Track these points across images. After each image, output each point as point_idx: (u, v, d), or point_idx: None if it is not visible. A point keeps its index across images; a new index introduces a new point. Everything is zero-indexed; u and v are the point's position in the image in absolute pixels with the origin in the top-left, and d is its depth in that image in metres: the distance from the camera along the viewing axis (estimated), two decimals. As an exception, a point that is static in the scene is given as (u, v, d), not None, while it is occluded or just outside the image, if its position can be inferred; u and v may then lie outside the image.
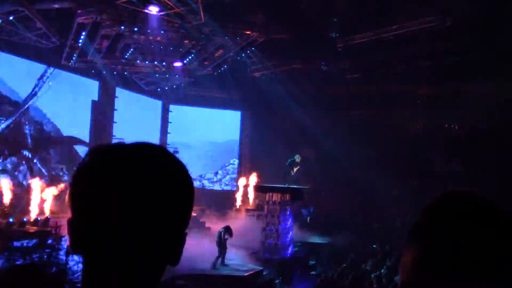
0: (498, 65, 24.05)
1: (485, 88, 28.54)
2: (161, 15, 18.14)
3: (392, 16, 23.70)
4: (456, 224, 0.86)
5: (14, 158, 20.67)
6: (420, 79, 27.49)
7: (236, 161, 32.11)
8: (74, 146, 24.21)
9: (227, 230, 15.44)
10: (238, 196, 26.32)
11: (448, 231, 0.85)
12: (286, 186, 19.16)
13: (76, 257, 12.75)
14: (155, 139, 28.60)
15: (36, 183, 17.33)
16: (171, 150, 1.09)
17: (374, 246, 18.88)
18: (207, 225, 20.56)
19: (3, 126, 20.08)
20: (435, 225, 0.88)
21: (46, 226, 14.99)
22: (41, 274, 2.46)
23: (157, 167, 0.98)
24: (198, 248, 14.26)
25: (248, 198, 26.01)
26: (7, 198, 17.05)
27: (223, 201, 25.85)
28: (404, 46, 23.44)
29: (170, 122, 30.51)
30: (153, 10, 17.95)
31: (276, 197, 18.26)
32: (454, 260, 0.83)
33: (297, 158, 20.01)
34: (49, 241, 14.01)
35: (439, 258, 0.84)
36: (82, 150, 23.19)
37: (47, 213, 16.32)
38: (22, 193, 17.86)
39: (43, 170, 21.54)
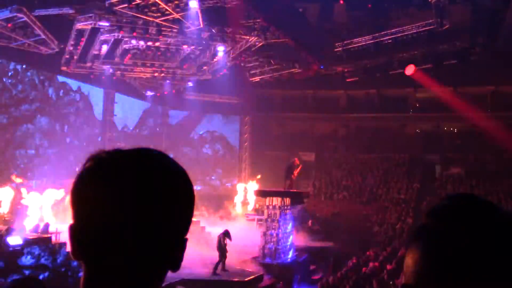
0: (496, 67, 24.11)
1: (484, 90, 28.64)
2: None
3: (391, 19, 23.81)
4: (459, 226, 0.86)
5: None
6: (419, 82, 27.55)
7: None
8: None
9: (226, 234, 15.42)
10: (238, 200, 26.29)
11: (451, 233, 0.85)
12: (286, 190, 19.14)
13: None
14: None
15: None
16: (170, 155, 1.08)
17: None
18: (207, 230, 20.52)
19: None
20: (439, 227, 0.88)
21: (46, 232, 14.93)
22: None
23: (157, 173, 0.98)
24: (198, 253, 14.24)
25: (247, 202, 25.99)
26: (7, 205, 17.00)
27: (222, 206, 25.81)
28: (403, 49, 23.51)
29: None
30: None
31: (276, 201, 18.23)
32: (456, 262, 0.83)
33: (297, 162, 20.01)
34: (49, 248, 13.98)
35: (442, 260, 0.84)
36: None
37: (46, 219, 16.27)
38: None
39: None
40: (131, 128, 26.61)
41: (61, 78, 22.50)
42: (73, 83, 23.18)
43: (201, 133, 31.81)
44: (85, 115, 23.85)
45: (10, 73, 20.41)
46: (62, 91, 22.78)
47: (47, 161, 21.42)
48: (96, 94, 24.48)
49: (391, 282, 13.27)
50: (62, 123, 22.66)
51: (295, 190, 19.81)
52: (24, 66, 21.11)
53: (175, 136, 29.95)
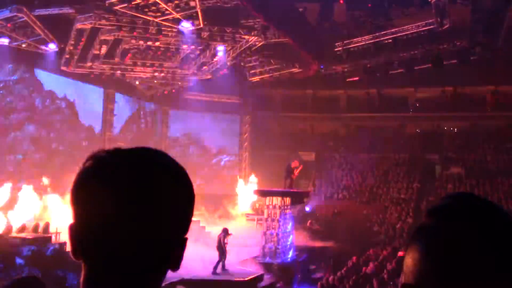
0: (496, 67, 24.11)
1: (484, 90, 28.65)
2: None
3: (391, 19, 23.80)
4: (459, 225, 0.86)
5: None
6: (419, 81, 27.59)
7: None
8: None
9: (225, 232, 15.41)
10: (239, 200, 26.27)
11: (451, 232, 0.85)
12: (286, 189, 19.14)
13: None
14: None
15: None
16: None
17: None
18: (207, 229, 20.53)
19: None
20: (438, 227, 0.88)
21: (46, 232, 14.94)
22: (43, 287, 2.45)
23: (157, 172, 0.98)
24: (198, 252, 14.24)
25: (247, 202, 25.98)
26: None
27: (223, 205, 25.81)
28: (403, 49, 23.50)
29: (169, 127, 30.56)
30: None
31: (276, 201, 18.23)
32: (456, 262, 0.83)
33: (297, 162, 20.02)
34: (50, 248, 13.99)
35: (441, 260, 0.84)
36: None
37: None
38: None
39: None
40: (115, 133, 27.04)
41: (47, 87, 23.09)
42: (60, 91, 23.67)
43: (178, 135, 31.25)
44: (71, 121, 24.48)
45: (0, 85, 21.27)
46: (48, 100, 23.45)
47: (34, 166, 22.00)
48: (82, 100, 24.87)
49: (391, 282, 13.27)
50: (48, 130, 23.42)
51: (295, 190, 19.80)
52: (14, 78, 21.63)
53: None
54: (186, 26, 19.06)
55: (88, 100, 25.54)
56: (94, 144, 24.53)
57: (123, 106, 27.20)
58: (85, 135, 25.36)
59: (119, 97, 26.74)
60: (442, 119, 30.14)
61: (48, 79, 22.92)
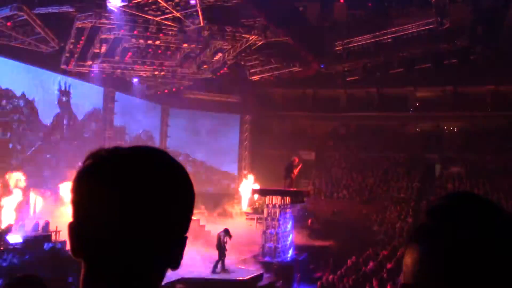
0: (496, 67, 24.10)
1: (484, 90, 28.63)
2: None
3: (391, 18, 23.77)
4: (459, 225, 0.86)
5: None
6: (419, 81, 27.57)
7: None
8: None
9: (226, 233, 15.42)
10: (242, 200, 26.28)
11: (450, 232, 0.85)
12: (285, 189, 19.14)
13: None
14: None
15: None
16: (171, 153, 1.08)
17: None
18: (206, 228, 20.54)
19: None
20: (438, 227, 0.87)
21: (46, 230, 14.95)
22: (44, 286, 2.46)
23: (157, 171, 0.98)
24: (198, 251, 14.25)
25: (247, 201, 25.99)
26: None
27: (222, 204, 25.81)
28: (403, 48, 23.49)
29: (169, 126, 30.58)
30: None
31: (276, 200, 18.24)
32: (455, 262, 0.82)
33: (296, 161, 20.02)
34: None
35: (441, 260, 0.84)
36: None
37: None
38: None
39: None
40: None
41: (3, 85, 22.42)
42: (17, 90, 23.01)
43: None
44: (30, 120, 23.88)
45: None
46: (4, 99, 22.96)
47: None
48: (42, 99, 24.11)
49: (390, 281, 13.28)
50: (5, 130, 22.92)
51: (295, 189, 19.81)
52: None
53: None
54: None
55: (51, 97, 24.52)
56: (52, 143, 24.02)
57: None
58: (45, 134, 24.54)
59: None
60: (442, 119, 30.13)
61: (4, 77, 22.04)
